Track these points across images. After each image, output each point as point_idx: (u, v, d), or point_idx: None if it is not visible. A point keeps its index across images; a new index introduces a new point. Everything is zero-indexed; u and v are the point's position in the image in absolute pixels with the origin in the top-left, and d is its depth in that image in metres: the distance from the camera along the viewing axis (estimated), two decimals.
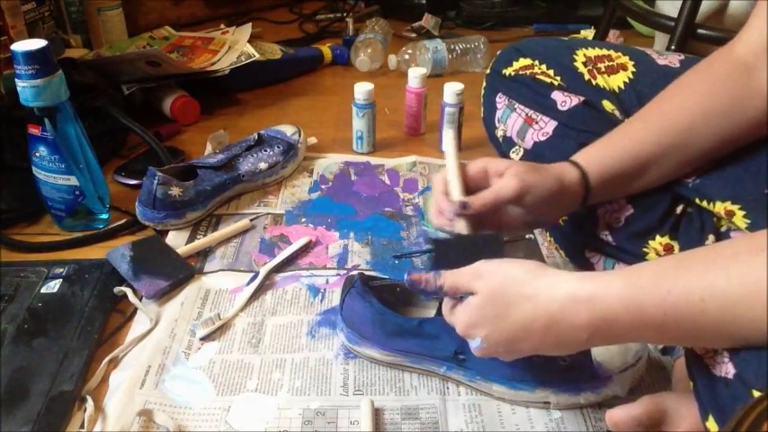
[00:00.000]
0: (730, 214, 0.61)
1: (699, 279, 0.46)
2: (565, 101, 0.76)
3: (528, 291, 0.53)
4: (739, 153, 0.63)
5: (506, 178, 0.65)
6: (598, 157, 0.67)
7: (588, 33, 1.65)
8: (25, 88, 0.80)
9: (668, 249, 0.69)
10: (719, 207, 0.62)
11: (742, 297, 0.44)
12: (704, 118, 0.63)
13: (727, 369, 0.47)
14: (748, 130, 0.62)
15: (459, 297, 0.58)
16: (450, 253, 0.62)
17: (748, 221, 0.60)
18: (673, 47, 1.13)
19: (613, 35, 1.57)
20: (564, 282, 0.52)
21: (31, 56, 0.78)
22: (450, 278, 0.57)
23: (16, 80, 0.80)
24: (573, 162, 0.67)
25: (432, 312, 0.72)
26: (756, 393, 0.43)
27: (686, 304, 0.46)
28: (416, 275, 0.59)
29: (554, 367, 0.64)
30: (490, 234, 0.66)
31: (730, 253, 0.46)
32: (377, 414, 0.65)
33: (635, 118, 0.68)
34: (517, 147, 0.82)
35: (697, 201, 0.65)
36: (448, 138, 0.70)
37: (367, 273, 0.83)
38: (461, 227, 0.65)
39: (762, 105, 0.60)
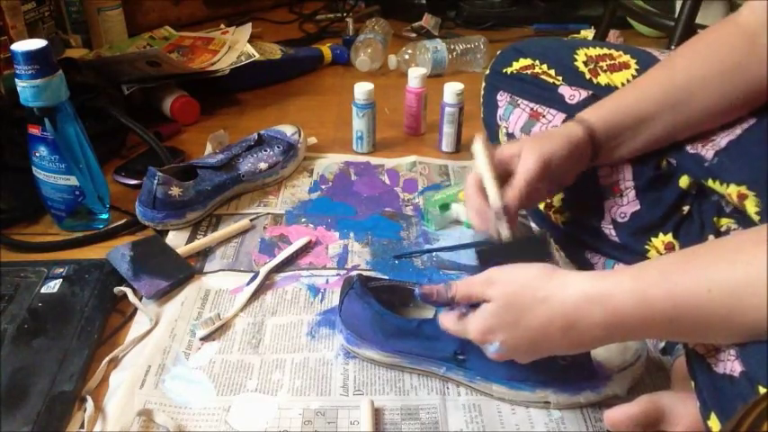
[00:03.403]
0: (743, 197, 0.61)
1: (704, 270, 0.47)
2: (573, 95, 0.76)
3: (541, 294, 0.54)
4: (764, 137, 0.63)
5: (525, 157, 0.66)
6: (600, 112, 0.68)
7: (588, 33, 1.65)
8: (25, 88, 0.80)
9: (669, 248, 0.69)
10: (733, 190, 0.62)
11: (746, 284, 0.44)
12: (704, 79, 0.63)
13: (733, 367, 0.47)
14: (748, 96, 0.62)
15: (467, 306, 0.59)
16: (497, 260, 0.63)
17: (759, 208, 0.59)
18: (672, 47, 1.13)
19: (613, 35, 1.57)
20: (575, 282, 0.53)
21: (31, 56, 0.78)
22: (463, 288, 0.58)
23: (16, 80, 0.80)
24: (578, 119, 0.68)
25: (431, 313, 0.72)
26: (763, 390, 0.44)
27: (693, 295, 0.47)
28: (427, 288, 0.60)
29: (554, 367, 0.64)
30: (533, 236, 0.67)
31: (734, 245, 0.48)
32: (377, 414, 0.65)
33: (638, 78, 0.69)
34: None
35: (710, 182, 0.64)
36: (478, 143, 0.68)
37: (366, 273, 0.83)
38: (505, 232, 0.66)
39: (762, 72, 0.61)
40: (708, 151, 0.65)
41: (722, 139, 0.65)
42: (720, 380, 0.48)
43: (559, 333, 0.53)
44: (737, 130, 0.64)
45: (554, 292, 0.53)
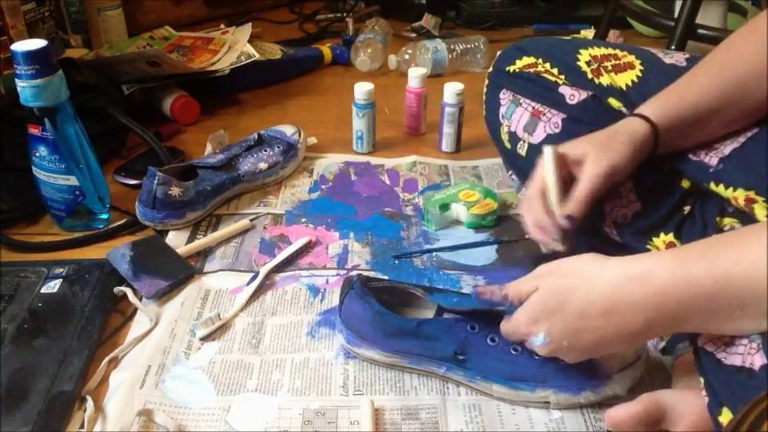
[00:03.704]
0: (751, 202, 0.61)
1: (746, 246, 0.47)
2: (573, 95, 0.76)
3: (582, 278, 0.55)
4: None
5: (589, 167, 0.65)
6: (663, 109, 0.67)
7: (588, 33, 1.65)
8: (25, 88, 0.80)
9: (671, 248, 0.69)
10: (740, 194, 0.62)
11: None
12: (756, 73, 0.63)
13: (753, 360, 0.47)
14: None
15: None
16: None
17: None
18: (673, 47, 1.13)
19: (613, 35, 1.57)
20: (615, 265, 0.54)
21: (31, 56, 0.78)
22: (513, 286, 0.60)
23: (16, 80, 0.80)
24: (641, 115, 0.67)
25: (431, 314, 0.72)
26: None
27: (734, 269, 0.47)
28: (482, 288, 0.63)
29: (554, 367, 0.64)
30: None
31: None
32: (377, 414, 0.65)
33: (692, 74, 0.68)
34: (522, 142, 0.81)
35: (712, 185, 0.64)
36: (549, 152, 0.67)
37: (366, 273, 0.83)
38: (560, 246, 0.66)
39: None
40: (711, 158, 0.65)
41: (726, 148, 0.65)
42: (736, 373, 0.48)
43: (599, 317, 0.53)
44: (741, 139, 0.64)
45: (594, 274, 0.54)
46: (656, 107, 0.67)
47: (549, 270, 0.59)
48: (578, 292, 0.54)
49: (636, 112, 0.68)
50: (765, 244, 0.46)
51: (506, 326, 0.62)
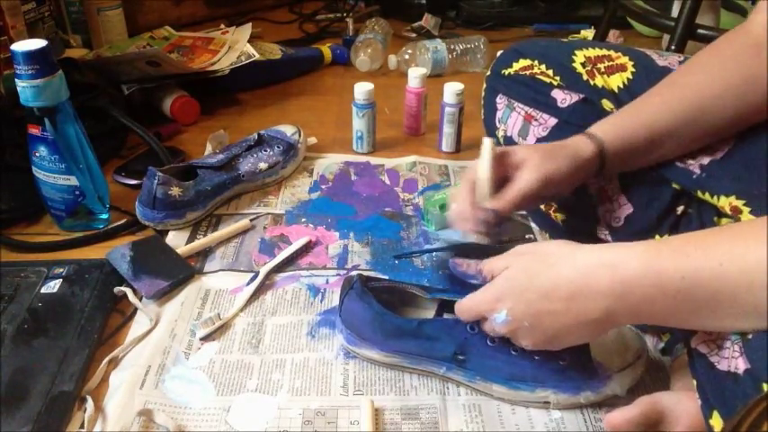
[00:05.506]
0: (736, 210, 0.61)
1: (718, 246, 0.47)
2: (565, 98, 0.76)
3: (552, 260, 0.55)
4: (748, 146, 0.63)
5: (527, 172, 0.66)
6: (614, 129, 0.67)
7: (588, 33, 1.65)
8: (25, 88, 0.80)
9: None
10: (724, 202, 0.62)
11: (757, 261, 0.44)
12: (716, 96, 0.63)
13: (737, 364, 0.47)
14: (760, 107, 0.61)
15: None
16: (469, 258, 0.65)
17: (754, 216, 0.59)
18: (672, 47, 1.13)
19: (613, 35, 1.57)
20: (587, 251, 0.54)
21: (31, 56, 0.78)
22: (489, 262, 0.61)
23: (16, 80, 0.80)
24: (590, 134, 0.67)
25: (431, 314, 0.72)
26: (767, 388, 0.44)
27: (704, 268, 0.47)
28: (460, 260, 0.63)
29: (554, 367, 0.64)
30: (503, 246, 0.69)
31: (748, 226, 0.48)
32: (377, 414, 0.65)
33: (650, 93, 0.68)
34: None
35: (699, 193, 0.65)
36: (487, 144, 0.68)
37: (367, 273, 0.83)
38: (481, 236, 0.67)
39: None
40: (693, 166, 0.66)
41: (705, 158, 0.65)
42: (724, 378, 0.48)
43: (563, 301, 0.53)
44: (719, 154, 0.64)
45: (564, 258, 0.55)
46: (609, 127, 0.67)
47: (524, 250, 0.59)
48: (545, 274, 0.55)
49: (589, 130, 0.68)
50: (737, 247, 0.46)
51: (468, 300, 0.61)
